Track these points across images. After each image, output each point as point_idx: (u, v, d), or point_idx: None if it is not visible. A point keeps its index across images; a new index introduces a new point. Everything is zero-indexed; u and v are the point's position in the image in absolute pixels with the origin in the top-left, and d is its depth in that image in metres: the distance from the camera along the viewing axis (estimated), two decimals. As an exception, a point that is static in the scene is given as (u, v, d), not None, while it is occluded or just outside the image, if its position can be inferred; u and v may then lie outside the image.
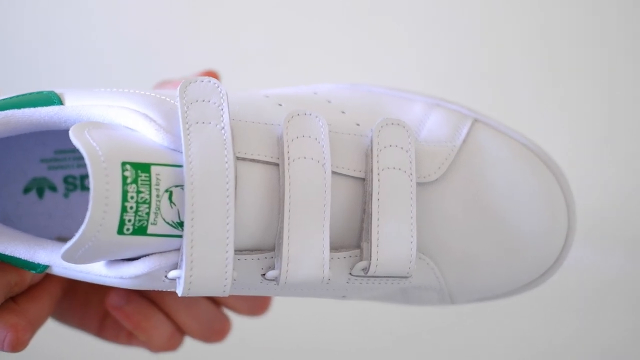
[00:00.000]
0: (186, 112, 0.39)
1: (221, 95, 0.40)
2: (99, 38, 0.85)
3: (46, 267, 0.42)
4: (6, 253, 0.41)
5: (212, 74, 0.50)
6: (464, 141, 0.45)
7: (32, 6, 0.84)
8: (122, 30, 0.85)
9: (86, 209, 0.46)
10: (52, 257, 0.41)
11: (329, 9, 0.85)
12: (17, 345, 0.43)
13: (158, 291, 0.47)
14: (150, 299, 0.49)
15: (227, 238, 0.38)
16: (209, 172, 0.38)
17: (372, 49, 0.85)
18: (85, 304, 0.52)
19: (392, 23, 0.85)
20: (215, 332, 0.51)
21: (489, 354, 0.85)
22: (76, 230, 0.46)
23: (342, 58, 0.85)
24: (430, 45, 0.85)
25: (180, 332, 0.50)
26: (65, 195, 0.48)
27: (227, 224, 0.38)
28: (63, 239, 0.47)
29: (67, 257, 0.38)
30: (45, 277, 0.46)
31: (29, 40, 0.84)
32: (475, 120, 0.46)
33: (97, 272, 0.40)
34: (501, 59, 0.86)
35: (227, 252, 0.38)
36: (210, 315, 0.50)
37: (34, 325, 0.44)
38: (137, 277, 0.39)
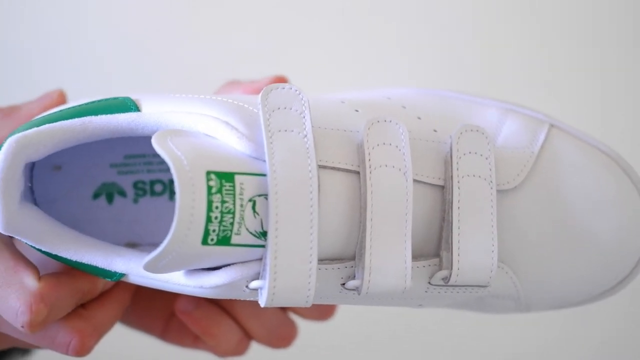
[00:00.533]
0: (268, 119, 0.38)
1: (303, 102, 0.39)
2: (99, 38, 0.84)
3: (122, 275, 0.41)
4: (83, 261, 0.41)
5: (283, 80, 0.49)
6: (542, 147, 0.44)
7: (31, 6, 0.84)
8: (121, 30, 0.85)
9: (155, 215, 0.45)
10: (129, 266, 0.41)
11: (329, 9, 0.85)
12: (82, 351, 0.42)
13: None
14: (219, 305, 0.49)
15: (311, 248, 0.38)
16: (293, 181, 0.37)
17: (373, 48, 0.85)
18: (149, 306, 0.51)
19: (392, 23, 0.85)
20: (282, 338, 0.50)
21: (489, 354, 0.85)
22: (145, 235, 0.46)
23: (342, 58, 0.84)
24: (430, 45, 0.85)
25: (247, 337, 0.50)
26: (135, 201, 0.47)
27: (311, 234, 0.38)
28: (132, 245, 0.47)
29: (150, 267, 0.37)
30: (115, 284, 0.45)
31: (28, 40, 0.84)
32: (552, 126, 0.45)
33: (176, 281, 0.40)
34: (500, 58, 0.85)
35: (310, 262, 0.38)
36: (277, 321, 0.50)
37: (100, 332, 0.44)
38: (217, 287, 0.39)
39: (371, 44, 0.85)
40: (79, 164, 0.46)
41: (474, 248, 0.41)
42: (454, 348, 0.85)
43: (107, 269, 0.41)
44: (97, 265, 0.41)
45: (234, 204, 0.37)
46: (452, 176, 0.41)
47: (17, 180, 0.39)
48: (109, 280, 0.41)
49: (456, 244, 0.41)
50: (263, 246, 0.38)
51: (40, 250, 0.41)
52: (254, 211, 0.37)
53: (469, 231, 0.41)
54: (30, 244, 0.41)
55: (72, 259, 0.41)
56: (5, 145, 0.39)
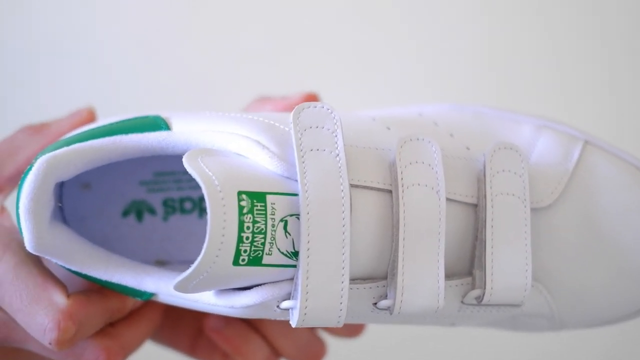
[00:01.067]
0: (300, 139, 0.38)
1: (335, 121, 0.39)
2: (99, 38, 0.84)
3: (152, 294, 0.41)
4: (113, 280, 0.41)
5: (313, 97, 0.49)
6: (576, 164, 0.44)
7: (31, 6, 0.84)
8: (122, 30, 0.85)
9: (185, 232, 0.45)
10: (159, 285, 0.41)
11: (330, 9, 0.84)
12: None
13: None
14: (249, 322, 0.48)
15: (343, 268, 0.37)
16: (325, 201, 0.37)
17: (374, 48, 0.84)
18: (177, 323, 0.51)
19: (393, 23, 0.85)
20: (312, 355, 0.50)
21: (489, 354, 0.84)
22: (175, 253, 0.46)
23: (343, 58, 0.84)
24: (433, 45, 0.84)
25: (276, 355, 0.49)
26: (164, 219, 0.47)
27: (343, 254, 0.37)
28: (162, 263, 0.46)
29: (181, 287, 0.37)
30: (144, 303, 0.45)
31: (29, 40, 0.84)
32: (587, 142, 0.44)
33: (206, 301, 0.40)
34: (507, 59, 0.85)
35: (342, 282, 0.37)
36: (307, 340, 0.49)
37: (127, 350, 0.44)
38: (248, 307, 0.38)
39: (374, 43, 0.84)
40: (108, 182, 0.46)
41: (507, 267, 0.40)
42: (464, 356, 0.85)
43: (137, 288, 0.41)
44: (127, 284, 0.41)
45: (265, 224, 0.37)
46: (485, 194, 0.41)
47: (47, 200, 0.39)
48: (139, 299, 0.41)
49: (489, 262, 0.40)
50: (294, 266, 0.37)
51: (70, 270, 0.41)
52: (286, 231, 0.37)
53: (502, 250, 0.40)
54: (61, 263, 0.40)
55: (102, 278, 0.41)
56: (36, 166, 0.39)
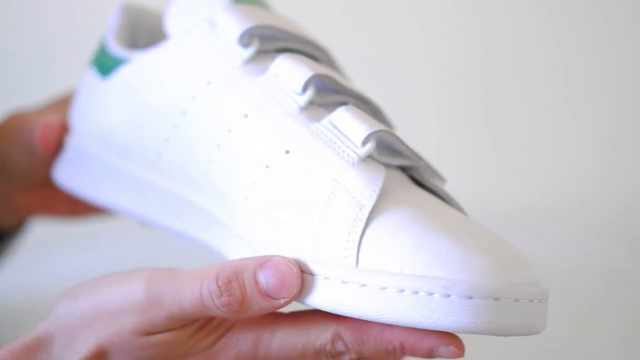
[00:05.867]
0: None
1: None
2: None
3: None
4: None
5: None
6: None
7: (32, 5, 0.85)
8: None
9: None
10: None
11: (331, 9, 0.85)
12: None
13: None
14: None
15: None
16: None
17: (375, 48, 0.85)
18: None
19: (394, 24, 0.85)
20: None
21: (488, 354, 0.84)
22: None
23: (344, 57, 0.84)
24: (437, 45, 0.85)
25: None
26: None
27: None
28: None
29: None
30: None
31: (30, 40, 0.85)
32: None
33: None
34: (509, 59, 0.85)
35: None
36: None
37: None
38: None
39: (375, 44, 0.85)
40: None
41: None
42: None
43: None
44: None
45: None
46: None
47: None
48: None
49: None
50: None
51: None
52: None
53: None
54: None
55: None
56: None
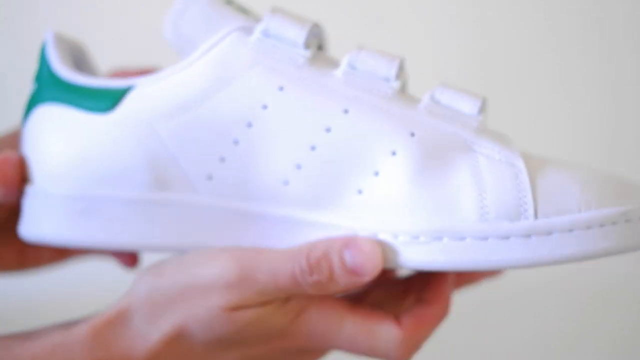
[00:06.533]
0: None
1: None
2: (103, 40, 0.85)
3: None
4: None
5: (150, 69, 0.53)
6: None
7: (35, 5, 0.85)
8: (124, 31, 0.86)
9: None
10: None
11: (332, 10, 0.85)
12: None
13: None
14: None
15: None
16: None
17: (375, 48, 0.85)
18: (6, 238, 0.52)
19: (392, 25, 0.85)
20: None
21: (488, 354, 0.84)
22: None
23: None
24: (438, 46, 0.85)
25: None
26: None
27: None
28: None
29: None
30: None
31: (32, 40, 0.85)
32: None
33: None
34: (509, 59, 0.85)
35: None
36: None
37: None
38: None
39: (375, 42, 0.85)
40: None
41: None
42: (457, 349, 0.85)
43: None
44: None
45: None
46: None
47: None
48: None
49: None
50: None
51: None
52: None
53: None
54: None
55: None
56: None
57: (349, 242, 0.43)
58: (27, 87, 0.50)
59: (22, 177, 0.48)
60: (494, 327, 0.85)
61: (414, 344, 0.45)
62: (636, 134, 0.85)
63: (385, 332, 0.44)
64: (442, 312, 0.46)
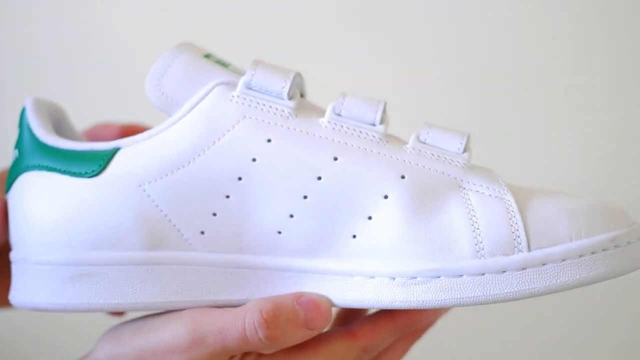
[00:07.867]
0: None
1: None
2: (105, 41, 0.85)
3: None
4: None
5: (136, 128, 0.54)
6: None
7: (38, 8, 0.85)
8: (126, 31, 0.85)
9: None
10: None
11: (332, 12, 0.85)
12: None
13: None
14: None
15: None
16: None
17: (376, 52, 0.85)
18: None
19: (393, 28, 0.85)
20: None
21: (488, 353, 0.85)
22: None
23: (345, 60, 0.84)
24: (439, 49, 0.85)
25: None
26: None
27: None
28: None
29: None
30: None
31: (35, 42, 0.85)
32: None
33: None
34: (510, 61, 0.85)
35: None
36: None
37: None
38: None
39: (371, 46, 0.85)
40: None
41: None
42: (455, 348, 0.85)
43: None
44: None
45: None
46: None
47: None
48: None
49: None
50: None
51: None
52: None
53: None
54: None
55: None
56: None
57: (299, 296, 0.44)
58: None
59: (4, 220, 0.48)
60: (494, 327, 0.85)
61: (374, 347, 0.46)
62: (636, 135, 0.84)
63: (338, 346, 0.46)
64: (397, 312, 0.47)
